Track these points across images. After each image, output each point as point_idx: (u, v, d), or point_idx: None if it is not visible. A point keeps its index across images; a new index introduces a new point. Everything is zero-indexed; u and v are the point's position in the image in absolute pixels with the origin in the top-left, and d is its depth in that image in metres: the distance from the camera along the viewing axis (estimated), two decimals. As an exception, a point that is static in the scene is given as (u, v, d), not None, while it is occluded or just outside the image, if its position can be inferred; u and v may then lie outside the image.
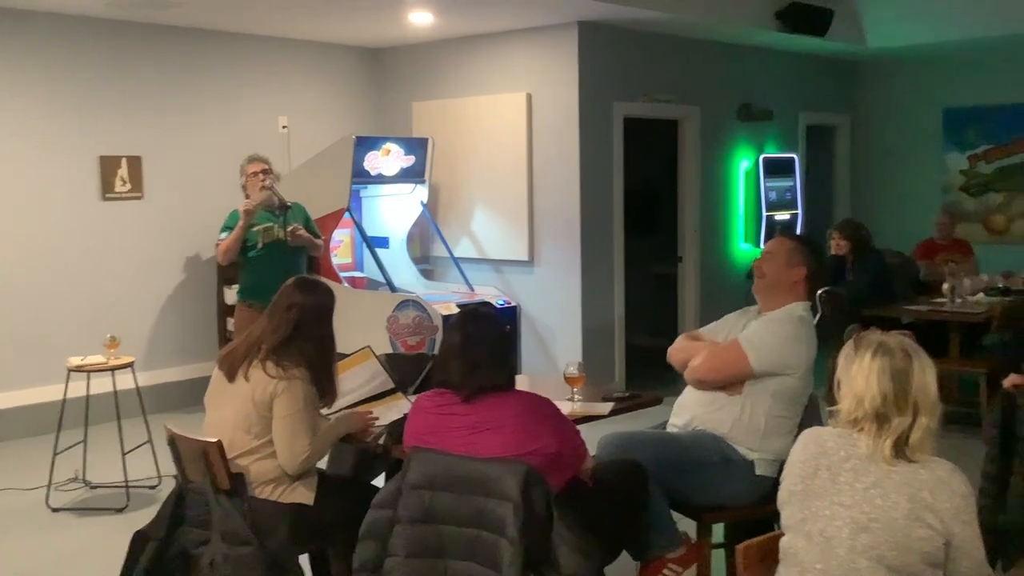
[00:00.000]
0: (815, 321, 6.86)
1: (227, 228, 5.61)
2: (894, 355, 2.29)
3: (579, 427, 3.62)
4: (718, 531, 3.62)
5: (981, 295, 6.82)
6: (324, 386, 3.32)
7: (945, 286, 6.74)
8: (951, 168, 9.38)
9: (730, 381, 3.36)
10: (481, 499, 2.76)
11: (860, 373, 2.30)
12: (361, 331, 5.98)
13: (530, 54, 7.39)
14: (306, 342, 3.28)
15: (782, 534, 2.39)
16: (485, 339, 3.00)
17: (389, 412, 3.54)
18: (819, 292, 6.95)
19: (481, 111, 7.63)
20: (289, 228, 5.57)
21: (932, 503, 2.19)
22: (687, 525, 3.46)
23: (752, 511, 3.36)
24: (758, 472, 3.33)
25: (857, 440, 2.30)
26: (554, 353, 7.33)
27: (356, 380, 3.74)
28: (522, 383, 4.57)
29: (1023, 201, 9.02)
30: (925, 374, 2.28)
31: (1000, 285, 7.10)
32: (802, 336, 3.35)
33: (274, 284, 3.57)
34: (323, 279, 4.24)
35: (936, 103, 9.39)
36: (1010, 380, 3.81)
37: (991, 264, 7.80)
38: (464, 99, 7.75)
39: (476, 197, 7.76)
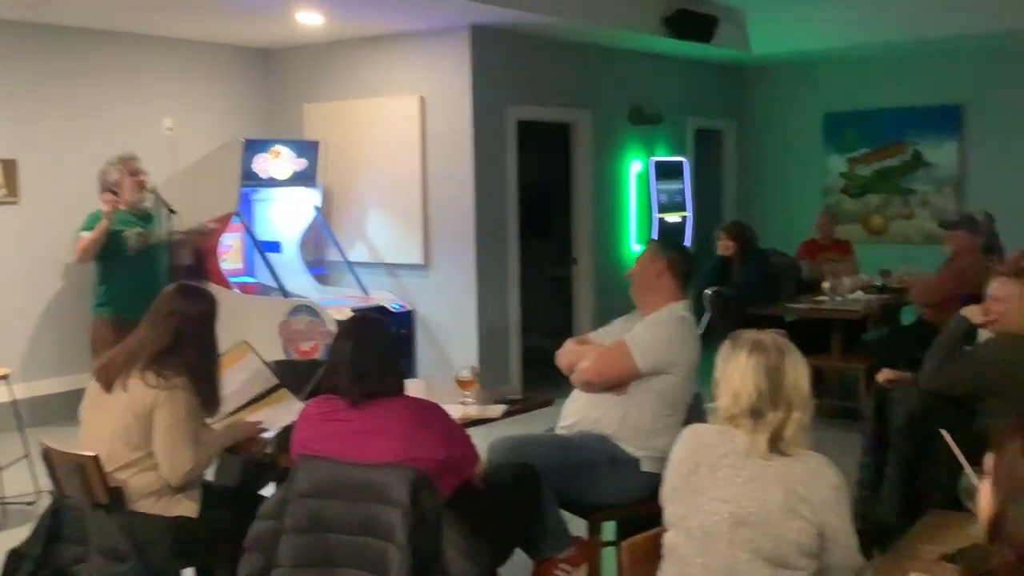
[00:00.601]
0: (704, 320, 7.05)
1: (88, 228, 5.45)
2: (768, 353, 2.36)
3: (472, 430, 3.63)
4: (609, 529, 3.67)
5: (860, 293, 7.08)
6: (207, 395, 3.24)
7: (826, 284, 6.98)
8: (832, 171, 9.74)
9: (617, 382, 3.42)
10: (370, 505, 2.74)
11: (736, 371, 2.37)
12: (253, 337, 5.84)
13: (423, 57, 7.37)
14: (188, 350, 3.19)
15: (666, 530, 2.44)
16: (373, 344, 2.99)
17: (278, 417, 3.47)
18: (706, 292, 7.16)
19: (374, 114, 7.57)
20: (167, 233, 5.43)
21: (806, 495, 2.26)
22: (579, 525, 3.50)
23: (640, 508, 3.42)
24: (644, 469, 3.39)
25: (735, 436, 2.36)
26: (450, 357, 7.31)
27: (237, 380, 3.63)
28: (417, 387, 4.55)
29: (899, 202, 9.42)
30: (797, 371, 2.36)
31: (877, 283, 7.39)
32: (685, 335, 3.45)
33: (147, 292, 3.46)
34: (209, 285, 4.15)
35: (817, 108, 9.73)
36: (883, 375, 3.97)
37: (870, 263, 8.10)
38: (356, 101, 7.68)
39: (370, 201, 7.69)
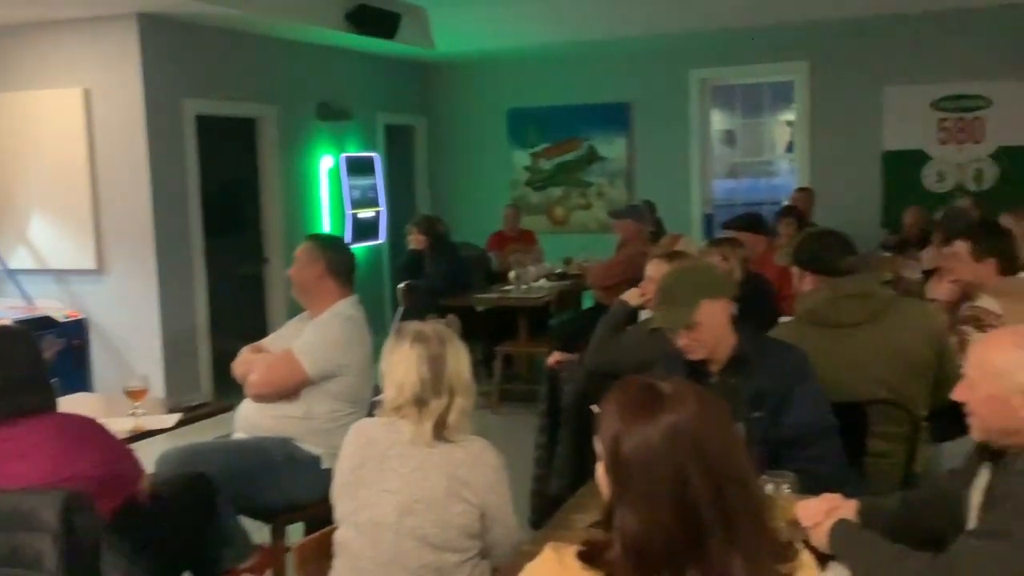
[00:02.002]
0: (398, 314, 7.10)
1: None
2: (430, 343, 2.41)
3: (146, 442, 3.43)
4: (298, 531, 3.60)
5: (543, 281, 7.46)
6: None
7: (512, 274, 7.29)
8: (517, 165, 10.16)
9: (289, 391, 3.36)
10: (16, 534, 2.49)
11: (400, 362, 2.40)
12: None
13: (86, 47, 6.83)
14: None
15: (337, 528, 2.42)
16: (14, 360, 2.72)
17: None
18: (399, 286, 7.23)
19: (32, 107, 6.91)
20: None
21: (468, 479, 2.34)
22: (266, 531, 3.41)
23: (326, 507, 3.37)
24: (325, 466, 3.35)
25: (401, 427, 2.39)
26: (132, 366, 6.84)
27: None
28: (93, 402, 4.24)
29: (578, 194, 10.00)
30: (459, 359, 2.43)
31: (559, 271, 7.82)
32: (351, 335, 3.43)
33: None
34: None
35: (501, 105, 10.11)
36: (553, 357, 4.19)
37: (554, 252, 8.55)
38: (11, 94, 6.98)
39: (33, 202, 7.03)
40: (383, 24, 8.03)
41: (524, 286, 7.18)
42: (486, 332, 7.20)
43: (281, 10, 7.19)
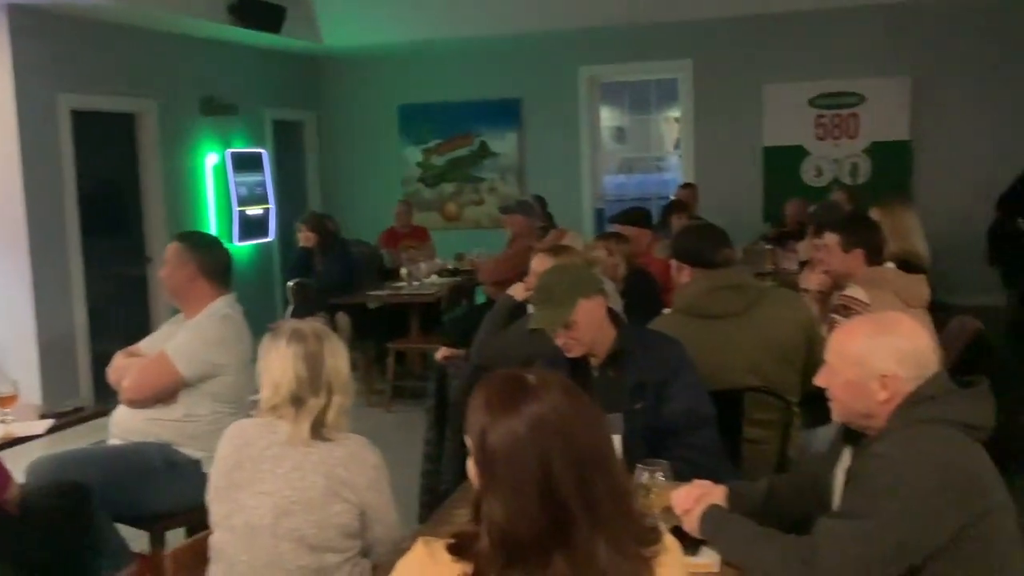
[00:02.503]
0: (288, 313, 6.98)
1: None
2: (307, 341, 2.38)
3: (16, 450, 3.31)
4: (180, 538, 3.51)
5: (435, 277, 7.44)
6: None
7: (403, 271, 7.25)
8: (409, 161, 10.11)
9: (165, 394, 3.28)
10: None
11: (276, 361, 2.36)
12: None
13: (-50, 38, 6.51)
14: None
15: (212, 532, 2.37)
16: None
17: None
18: (289, 284, 7.11)
19: None
20: None
21: (347, 477, 2.32)
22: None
23: (206, 512, 3.30)
24: (206, 471, 3.26)
25: (278, 426, 2.35)
26: (8, 371, 6.56)
27: None
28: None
29: (471, 190, 10.02)
30: (336, 356, 2.41)
31: (450, 267, 7.81)
32: (227, 334, 3.35)
33: None
34: None
35: (392, 100, 10.04)
36: (440, 353, 4.19)
37: (447, 248, 8.54)
38: None
39: None
40: (268, 17, 7.88)
41: (416, 283, 7.15)
42: (378, 330, 7.15)
43: (160, 2, 6.98)
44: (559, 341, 2.75)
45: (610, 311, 2.82)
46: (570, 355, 2.76)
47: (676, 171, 11.19)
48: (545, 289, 2.83)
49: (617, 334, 2.78)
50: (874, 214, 4.49)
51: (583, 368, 2.79)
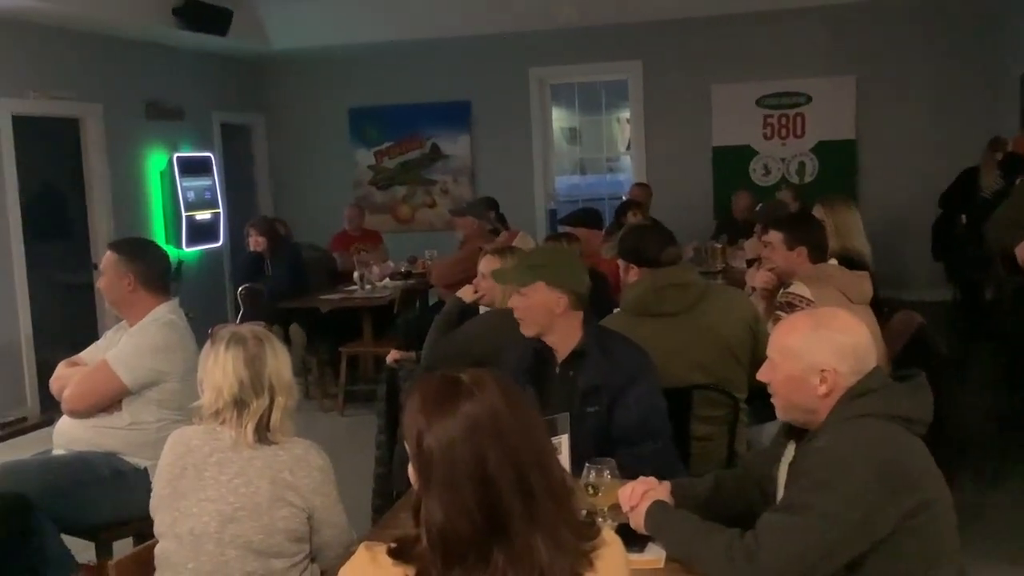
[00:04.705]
0: (239, 318, 6.91)
1: None
2: (247, 344, 2.36)
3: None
4: (127, 547, 3.46)
5: (388, 280, 7.41)
6: None
7: (356, 274, 7.21)
8: (360, 163, 10.06)
9: (106, 403, 3.23)
10: None
11: (217, 366, 2.34)
12: None
13: None
14: None
15: (157, 541, 2.34)
16: None
17: None
18: (239, 289, 7.04)
19: None
20: None
21: (293, 481, 2.30)
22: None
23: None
24: (153, 479, 3.23)
25: (221, 433, 2.33)
26: (-51, 383, 6.44)
27: None
28: None
29: (423, 192, 10.00)
30: (278, 358, 2.39)
31: (403, 269, 7.78)
32: (171, 341, 3.31)
33: None
34: None
35: (342, 102, 9.98)
36: (391, 356, 4.18)
37: (400, 250, 8.50)
38: None
39: None
40: (213, 20, 7.80)
41: (368, 286, 7.12)
42: (331, 334, 7.09)
43: (103, 5, 6.88)
44: (510, 302, 2.85)
45: (584, 313, 2.81)
46: (523, 331, 2.77)
47: (628, 171, 11.27)
48: (531, 255, 3.06)
49: (582, 335, 2.78)
50: (816, 212, 4.56)
51: (547, 366, 2.82)
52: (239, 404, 2.31)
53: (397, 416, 3.93)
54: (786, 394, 2.11)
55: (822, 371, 2.03)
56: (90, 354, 3.50)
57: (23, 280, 6.88)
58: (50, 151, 7.66)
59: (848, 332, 2.08)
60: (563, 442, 2.47)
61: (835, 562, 1.92)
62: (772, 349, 2.14)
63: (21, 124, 6.89)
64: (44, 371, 7.00)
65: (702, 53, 9.10)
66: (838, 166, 8.98)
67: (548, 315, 2.76)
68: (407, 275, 7.67)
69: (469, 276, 4.78)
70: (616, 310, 3.83)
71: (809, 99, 9.02)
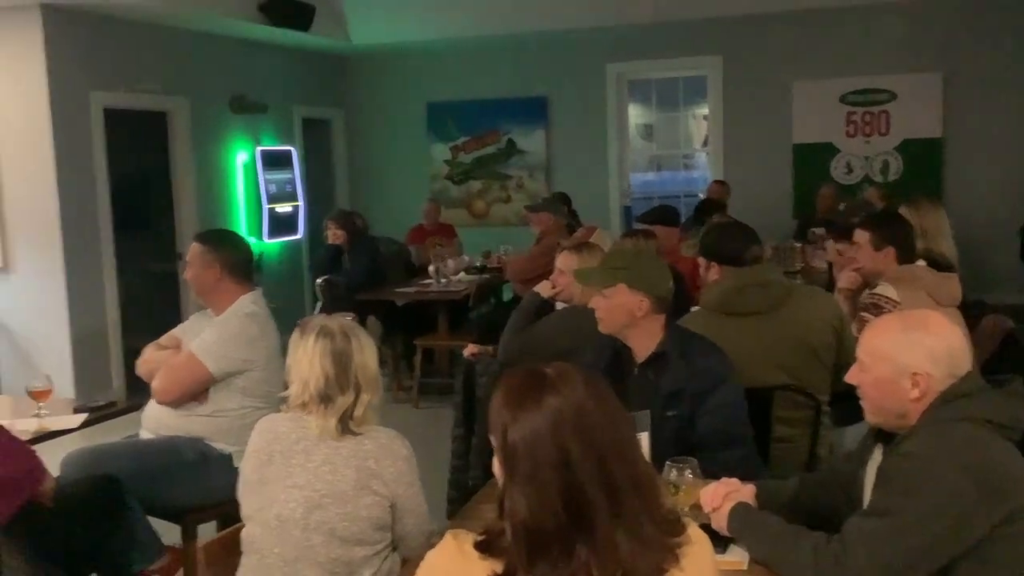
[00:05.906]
0: (317, 309, 7.02)
1: None
2: (335, 337, 2.39)
3: (52, 443, 3.36)
4: (211, 531, 3.55)
5: (463, 274, 7.46)
6: None
7: (431, 268, 7.27)
8: (436, 158, 10.13)
9: (195, 392, 3.32)
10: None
11: (304, 357, 2.38)
12: None
13: (-13, 38, 6.61)
14: None
15: (244, 525, 2.40)
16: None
17: None
18: (318, 281, 7.16)
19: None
20: None
21: (377, 470, 2.33)
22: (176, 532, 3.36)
23: (237, 505, 3.34)
24: (237, 464, 3.30)
25: (307, 422, 2.37)
26: (41, 366, 6.64)
27: None
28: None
29: (498, 187, 10.03)
30: (364, 353, 2.42)
31: (478, 264, 7.83)
32: (252, 331, 3.38)
33: None
34: None
35: (420, 98, 10.05)
36: (468, 350, 4.20)
37: (474, 245, 8.55)
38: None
39: (-68, 198, 6.78)
40: (297, 16, 7.94)
41: (444, 280, 7.17)
42: (406, 327, 7.18)
43: (192, 1, 7.05)
44: (591, 302, 2.86)
45: (667, 317, 2.79)
46: (600, 328, 2.79)
47: (704, 168, 11.14)
48: (613, 255, 3.15)
49: (664, 337, 2.76)
50: (903, 212, 4.45)
51: (626, 366, 2.80)
52: (324, 399, 2.35)
53: (473, 409, 3.97)
54: (876, 397, 2.07)
55: (914, 374, 1.99)
56: (180, 332, 3.60)
57: (111, 269, 7.09)
58: (138, 144, 7.88)
59: (941, 335, 2.03)
60: (644, 439, 2.46)
61: (923, 568, 1.88)
62: (862, 351, 2.10)
63: (111, 117, 7.10)
64: (131, 357, 7.16)
65: (783, 49, 8.94)
66: (923, 165, 8.75)
67: (629, 316, 2.75)
68: (482, 269, 7.71)
69: (546, 272, 4.79)
70: (694, 308, 3.80)
71: (894, 96, 8.80)
